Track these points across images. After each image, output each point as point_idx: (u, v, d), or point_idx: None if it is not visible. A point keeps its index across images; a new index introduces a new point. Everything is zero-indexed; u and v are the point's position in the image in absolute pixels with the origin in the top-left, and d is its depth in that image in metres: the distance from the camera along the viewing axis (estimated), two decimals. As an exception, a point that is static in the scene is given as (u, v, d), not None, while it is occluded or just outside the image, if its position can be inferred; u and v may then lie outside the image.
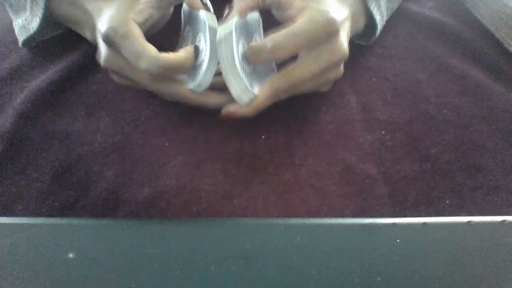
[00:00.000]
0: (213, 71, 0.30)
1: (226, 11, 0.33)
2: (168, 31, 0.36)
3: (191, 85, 0.30)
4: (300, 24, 0.29)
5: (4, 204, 0.28)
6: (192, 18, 0.34)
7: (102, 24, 0.30)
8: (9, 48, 0.41)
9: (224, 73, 0.29)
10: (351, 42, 0.42)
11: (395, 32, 0.44)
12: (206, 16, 0.30)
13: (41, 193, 0.29)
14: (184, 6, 0.35)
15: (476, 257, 0.22)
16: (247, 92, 0.29)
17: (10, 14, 0.41)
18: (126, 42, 0.28)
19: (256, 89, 0.30)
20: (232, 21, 0.29)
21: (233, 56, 0.28)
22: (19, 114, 0.33)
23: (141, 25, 0.30)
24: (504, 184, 0.30)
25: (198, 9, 0.31)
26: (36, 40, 0.39)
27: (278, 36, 0.28)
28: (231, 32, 0.29)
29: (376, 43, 0.42)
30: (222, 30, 0.29)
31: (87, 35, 0.36)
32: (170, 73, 0.29)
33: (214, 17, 0.31)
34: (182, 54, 0.29)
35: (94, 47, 0.39)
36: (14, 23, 0.40)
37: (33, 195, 0.29)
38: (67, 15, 0.37)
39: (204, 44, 0.30)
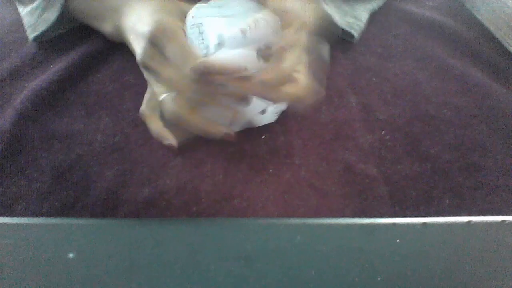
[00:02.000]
0: None
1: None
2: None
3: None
4: None
5: (4, 204, 0.28)
6: None
7: (146, 23, 0.30)
8: (9, 48, 0.41)
9: None
10: (348, 42, 0.42)
11: (395, 32, 0.44)
12: None
13: (41, 193, 0.29)
14: None
15: (476, 257, 0.22)
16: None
17: (17, 4, 0.42)
18: (173, 43, 0.28)
19: None
20: None
21: None
22: (19, 114, 0.33)
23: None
24: (504, 184, 0.30)
25: None
26: (49, 33, 0.40)
27: None
28: None
29: (376, 43, 0.42)
30: None
31: (107, 29, 0.37)
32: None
33: None
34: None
35: (94, 47, 0.40)
36: (22, 13, 0.40)
37: (33, 195, 0.29)
38: (86, 8, 0.37)
39: None
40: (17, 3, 0.43)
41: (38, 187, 0.29)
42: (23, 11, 0.41)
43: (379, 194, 0.29)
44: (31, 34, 0.39)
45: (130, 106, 0.35)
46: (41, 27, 0.38)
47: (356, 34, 0.41)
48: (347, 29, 0.41)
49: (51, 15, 0.38)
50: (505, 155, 0.32)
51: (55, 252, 0.22)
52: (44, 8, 0.39)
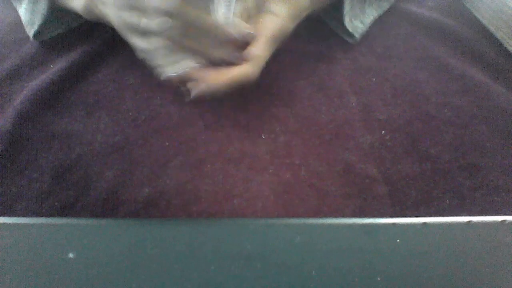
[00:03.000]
0: None
1: None
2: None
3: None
4: None
5: (4, 204, 0.28)
6: None
7: None
8: (9, 48, 0.41)
9: None
10: (348, 42, 0.42)
11: (395, 32, 0.44)
12: None
13: (41, 193, 0.29)
14: None
15: (476, 257, 0.22)
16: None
17: (16, 5, 0.42)
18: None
19: None
20: None
21: None
22: (19, 114, 0.33)
23: None
24: (504, 184, 0.30)
25: None
26: (47, 30, 0.39)
27: None
28: None
29: (376, 43, 0.42)
30: None
31: (78, 5, 0.35)
32: None
33: None
34: None
35: (94, 47, 0.40)
36: (20, 13, 0.40)
37: (33, 195, 0.29)
38: None
39: None
40: (15, 4, 0.43)
41: (38, 187, 0.29)
42: (20, 10, 0.41)
43: (379, 194, 0.29)
44: (30, 32, 0.39)
45: (130, 106, 0.35)
46: (38, 21, 0.38)
47: (358, 37, 0.41)
48: (352, 31, 0.40)
49: (42, 5, 0.37)
50: (505, 155, 0.32)
51: (55, 252, 0.22)
52: (36, 0, 0.38)
